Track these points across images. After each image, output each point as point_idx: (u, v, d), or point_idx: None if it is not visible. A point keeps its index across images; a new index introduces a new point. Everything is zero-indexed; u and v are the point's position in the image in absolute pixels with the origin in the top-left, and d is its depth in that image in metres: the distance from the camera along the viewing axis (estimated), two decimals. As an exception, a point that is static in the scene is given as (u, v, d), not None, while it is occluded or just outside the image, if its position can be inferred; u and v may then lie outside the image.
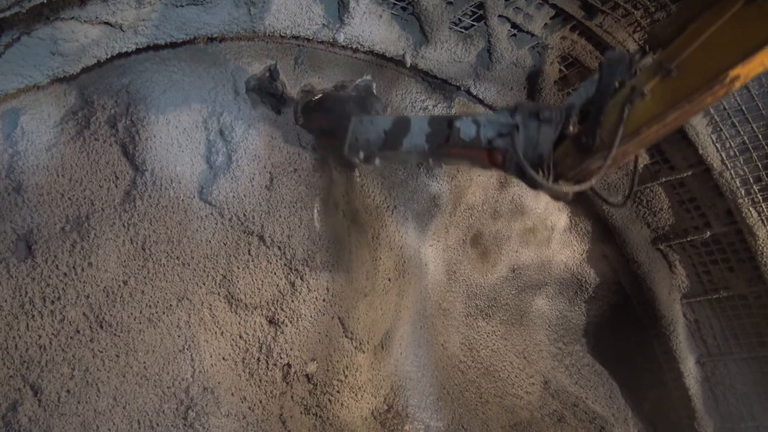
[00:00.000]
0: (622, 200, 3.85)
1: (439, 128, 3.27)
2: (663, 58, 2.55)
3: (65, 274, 3.33)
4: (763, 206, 5.09)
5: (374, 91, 4.48)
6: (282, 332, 4.10)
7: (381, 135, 3.59)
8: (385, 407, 4.86)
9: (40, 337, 3.27)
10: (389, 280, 4.84)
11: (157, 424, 3.57)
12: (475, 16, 4.18)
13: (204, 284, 3.80)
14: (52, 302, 3.30)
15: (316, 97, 4.18)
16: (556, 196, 3.13)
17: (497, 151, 2.95)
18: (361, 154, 3.74)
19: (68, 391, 3.31)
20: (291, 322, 4.13)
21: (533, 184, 2.83)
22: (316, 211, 4.31)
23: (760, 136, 4.76)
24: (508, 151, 2.88)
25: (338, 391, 4.43)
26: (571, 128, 2.77)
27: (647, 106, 2.59)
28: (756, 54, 2.38)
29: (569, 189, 2.87)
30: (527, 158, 2.77)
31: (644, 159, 5.45)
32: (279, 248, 4.05)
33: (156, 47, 3.54)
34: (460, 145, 3.08)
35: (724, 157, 4.97)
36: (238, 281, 3.92)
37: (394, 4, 4.02)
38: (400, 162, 4.08)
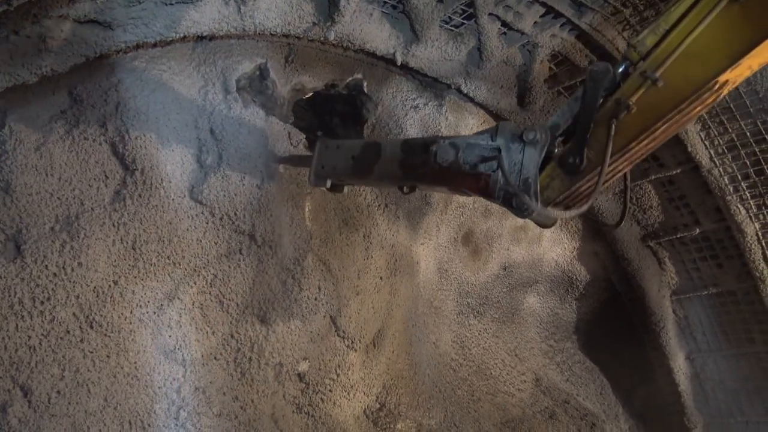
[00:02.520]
0: (617, 222, 3.48)
1: (414, 153, 3.02)
2: (646, 67, 2.41)
3: (55, 275, 3.31)
4: (751, 203, 5.13)
5: (365, 89, 4.48)
6: (274, 331, 4.09)
7: (349, 161, 3.35)
8: (378, 406, 4.86)
9: (29, 337, 3.24)
10: (381, 278, 4.84)
11: (149, 425, 3.55)
12: (466, 14, 4.19)
13: (195, 284, 3.79)
14: (42, 303, 3.28)
15: (306, 96, 4.19)
16: (542, 224, 2.95)
17: (479, 177, 2.73)
18: (329, 183, 3.51)
19: (59, 392, 3.29)
20: (282, 322, 4.13)
21: (522, 212, 2.64)
22: (307, 210, 4.31)
23: (748, 133, 4.80)
24: (491, 176, 2.66)
25: (330, 390, 4.43)
26: (555, 149, 2.62)
27: (635, 120, 2.45)
28: (744, 57, 2.26)
29: (563, 215, 2.66)
30: (512, 184, 2.58)
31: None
32: (270, 247, 4.04)
33: (145, 46, 3.53)
34: (437, 171, 2.84)
35: (713, 155, 5.01)
36: (229, 280, 3.91)
37: (385, 2, 4.02)
38: (371, 187, 3.79)
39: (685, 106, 2.41)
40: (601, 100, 2.49)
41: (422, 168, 2.95)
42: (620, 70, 2.52)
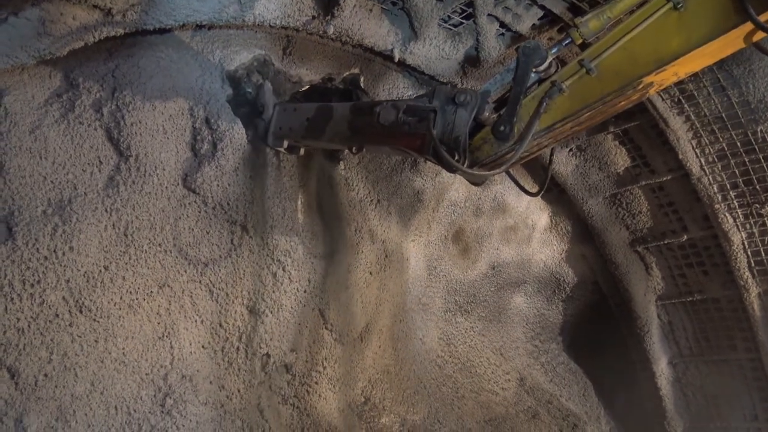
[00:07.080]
0: (538, 191, 3.71)
1: (361, 114, 3.28)
2: (585, 56, 2.58)
3: (46, 258, 3.30)
4: (739, 212, 5.19)
5: (361, 84, 4.49)
6: (262, 322, 4.11)
7: (304, 123, 3.58)
8: (363, 399, 4.89)
9: (18, 320, 3.24)
10: (370, 273, 4.87)
11: (135, 411, 3.56)
12: (465, 14, 4.20)
13: (185, 272, 3.80)
14: (32, 285, 3.27)
15: (303, 88, 4.19)
16: (472, 180, 3.22)
17: (416, 136, 2.95)
18: (285, 143, 3.73)
19: (45, 375, 3.30)
20: (271, 313, 4.14)
21: (449, 168, 2.86)
22: (299, 202, 4.32)
23: (738, 143, 4.85)
24: (425, 135, 2.88)
25: (316, 382, 4.45)
26: (486, 114, 2.81)
27: (564, 103, 2.63)
28: (670, 65, 2.42)
29: (483, 174, 2.96)
30: (444, 142, 2.80)
31: (625, 162, 5.53)
32: (262, 238, 4.05)
33: (144, 32, 3.52)
34: (380, 130, 3.09)
35: (703, 163, 5.06)
36: (219, 270, 3.92)
37: (385, -2, 4.03)
38: (325, 149, 4.15)
39: (610, 99, 2.57)
40: (532, 77, 2.69)
41: (367, 128, 3.21)
42: (553, 51, 2.72)
